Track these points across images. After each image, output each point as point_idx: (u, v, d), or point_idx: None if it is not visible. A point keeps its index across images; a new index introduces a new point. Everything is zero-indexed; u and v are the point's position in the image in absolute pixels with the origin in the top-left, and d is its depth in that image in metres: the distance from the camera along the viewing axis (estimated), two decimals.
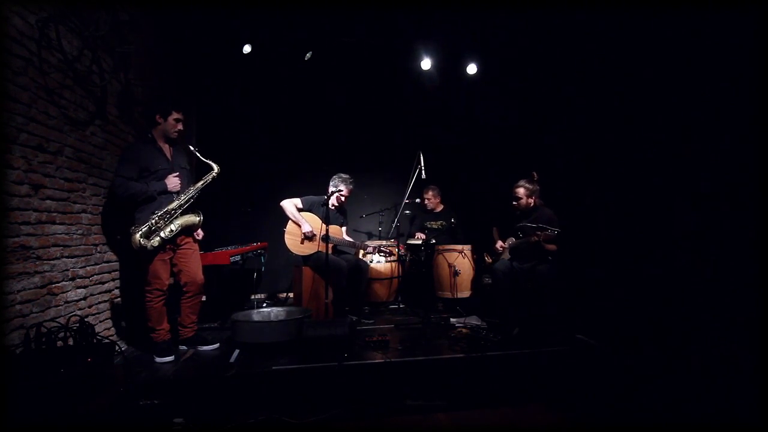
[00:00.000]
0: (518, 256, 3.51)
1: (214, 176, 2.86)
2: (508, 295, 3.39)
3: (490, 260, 3.83)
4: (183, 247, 2.79)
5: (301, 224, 3.65)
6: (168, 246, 2.69)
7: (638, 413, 2.41)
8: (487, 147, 5.21)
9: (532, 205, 3.48)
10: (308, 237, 3.64)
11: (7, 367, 1.84)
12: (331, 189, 3.74)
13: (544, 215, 3.42)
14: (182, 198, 2.73)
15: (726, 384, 2.42)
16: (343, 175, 3.80)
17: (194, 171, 3.29)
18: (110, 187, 2.85)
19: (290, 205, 3.70)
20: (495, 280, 3.47)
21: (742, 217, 2.51)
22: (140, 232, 2.58)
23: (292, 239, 3.65)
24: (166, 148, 2.82)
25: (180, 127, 2.81)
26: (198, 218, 2.82)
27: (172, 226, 2.67)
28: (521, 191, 3.47)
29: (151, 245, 2.59)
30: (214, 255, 3.45)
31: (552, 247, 3.31)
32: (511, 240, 3.60)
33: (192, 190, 2.77)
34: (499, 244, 3.68)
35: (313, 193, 3.85)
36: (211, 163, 2.86)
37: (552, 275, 3.27)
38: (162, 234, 2.63)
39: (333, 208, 3.77)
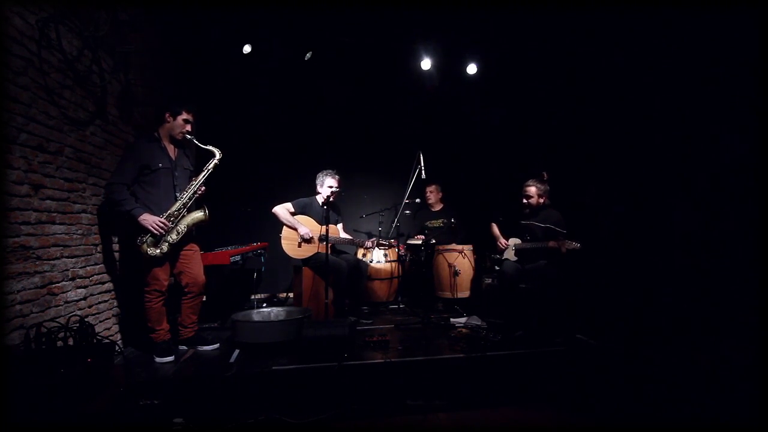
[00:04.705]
0: (524, 257, 3.49)
1: (216, 163, 2.75)
2: (515, 297, 3.37)
3: (494, 258, 3.79)
4: (184, 248, 2.77)
5: (297, 228, 3.61)
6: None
7: (638, 413, 2.41)
8: (487, 147, 5.21)
9: (541, 204, 3.46)
10: (306, 240, 3.61)
11: (7, 367, 1.84)
12: (325, 189, 3.71)
13: (552, 216, 3.41)
14: (184, 196, 2.67)
15: (726, 384, 2.42)
16: (327, 170, 3.77)
17: (195, 168, 3.26)
18: None
19: (283, 211, 3.66)
20: (503, 282, 3.44)
21: (743, 217, 2.51)
22: (146, 243, 2.54)
23: (289, 244, 3.62)
24: (171, 148, 2.77)
25: (188, 128, 2.75)
26: (203, 213, 2.73)
27: (179, 228, 2.63)
28: (533, 190, 3.44)
29: (161, 252, 2.57)
30: (214, 255, 3.44)
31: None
32: (516, 240, 3.58)
33: (194, 184, 2.70)
34: (503, 241, 3.66)
35: (312, 194, 3.85)
36: (212, 148, 2.74)
37: (557, 276, 3.26)
38: (169, 238, 2.60)
39: (325, 207, 3.76)
